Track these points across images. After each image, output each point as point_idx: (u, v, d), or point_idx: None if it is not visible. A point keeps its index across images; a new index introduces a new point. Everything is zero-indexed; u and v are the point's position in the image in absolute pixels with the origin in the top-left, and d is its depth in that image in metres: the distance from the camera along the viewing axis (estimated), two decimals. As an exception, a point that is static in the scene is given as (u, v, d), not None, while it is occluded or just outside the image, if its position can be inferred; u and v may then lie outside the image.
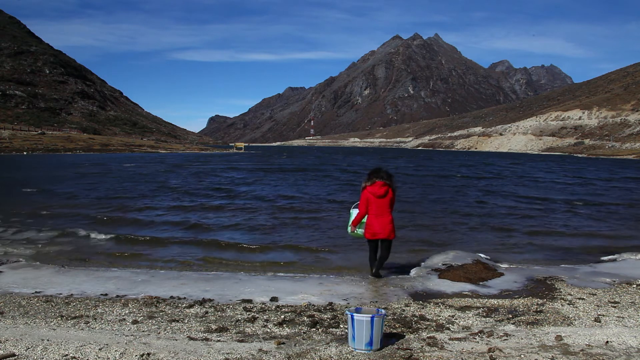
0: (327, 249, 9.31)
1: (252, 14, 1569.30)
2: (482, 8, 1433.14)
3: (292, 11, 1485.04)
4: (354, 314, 4.18)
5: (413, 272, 7.68)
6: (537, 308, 5.63)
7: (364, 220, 7.01)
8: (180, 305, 5.68)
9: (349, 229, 7.41)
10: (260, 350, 4.09)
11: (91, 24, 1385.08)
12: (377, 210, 6.77)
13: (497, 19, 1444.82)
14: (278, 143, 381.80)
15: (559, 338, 4.44)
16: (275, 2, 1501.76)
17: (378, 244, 7.09)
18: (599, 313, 5.41)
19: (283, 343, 4.32)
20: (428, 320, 5.12)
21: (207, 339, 4.41)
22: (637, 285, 6.88)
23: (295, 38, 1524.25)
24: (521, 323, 5.03)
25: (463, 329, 4.85)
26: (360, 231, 7.25)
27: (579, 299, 6.06)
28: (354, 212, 7.31)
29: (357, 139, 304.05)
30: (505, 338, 4.50)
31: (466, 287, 6.77)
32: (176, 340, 4.36)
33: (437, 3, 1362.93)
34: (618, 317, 5.26)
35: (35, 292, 6.30)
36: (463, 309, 5.60)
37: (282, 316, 5.23)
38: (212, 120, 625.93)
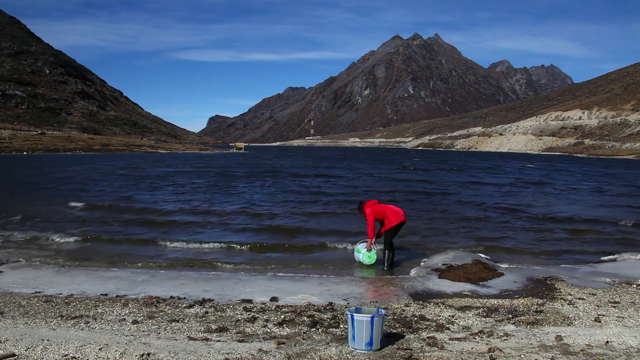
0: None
1: (256, 13, 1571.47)
2: (487, 8, 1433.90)
3: (296, 11, 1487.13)
4: (354, 314, 4.18)
5: (413, 272, 7.68)
6: (537, 308, 5.63)
7: (372, 253, 8.16)
8: (180, 305, 5.68)
9: (361, 253, 8.19)
10: (260, 350, 4.09)
11: (94, 24, 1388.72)
12: (391, 207, 8.20)
13: (501, 18, 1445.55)
14: (278, 143, 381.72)
15: (559, 338, 4.45)
16: (280, 1, 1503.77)
17: (392, 232, 8.02)
18: (599, 313, 5.41)
19: (283, 343, 4.32)
20: (428, 320, 5.12)
21: (207, 339, 4.41)
22: (637, 285, 6.88)
23: (299, 38, 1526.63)
24: (521, 323, 5.03)
25: (463, 329, 4.85)
26: (373, 255, 8.16)
27: (579, 299, 6.06)
28: (361, 245, 8.33)
29: (357, 139, 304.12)
30: (505, 338, 4.50)
31: (466, 287, 6.77)
32: (176, 340, 4.36)
33: (442, 3, 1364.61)
34: (618, 317, 5.26)
35: (35, 292, 6.30)
36: (463, 309, 5.60)
37: (282, 316, 5.23)
38: (212, 120, 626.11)
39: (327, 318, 5.16)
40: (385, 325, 4.74)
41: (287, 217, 13.02)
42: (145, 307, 5.55)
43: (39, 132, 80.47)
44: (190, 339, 4.42)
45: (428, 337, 4.49)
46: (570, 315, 5.32)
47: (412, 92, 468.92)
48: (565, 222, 12.91)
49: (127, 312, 5.36)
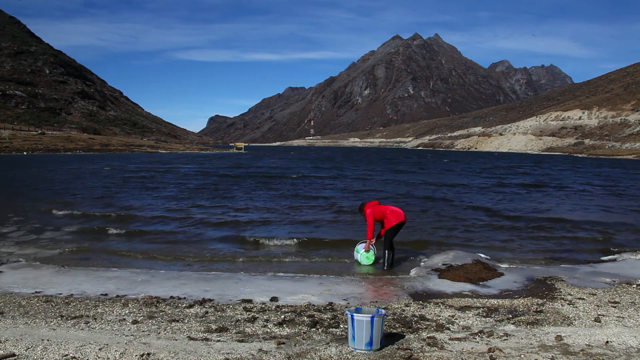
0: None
1: (257, 13, 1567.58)
2: (487, 8, 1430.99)
3: (296, 11, 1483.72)
4: (354, 314, 4.18)
5: (413, 272, 7.68)
6: (537, 308, 5.63)
7: (370, 254, 8.23)
8: (180, 305, 5.68)
9: (360, 253, 8.28)
10: (260, 350, 4.09)
11: (95, 24, 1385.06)
12: (391, 208, 8.24)
13: (502, 18, 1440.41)
14: (278, 143, 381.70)
15: (559, 338, 4.45)
16: (280, 1, 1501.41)
17: (392, 232, 8.03)
18: (599, 313, 5.41)
19: (283, 343, 4.32)
20: (428, 320, 5.12)
21: (207, 339, 4.41)
22: (637, 285, 6.88)
23: (299, 38, 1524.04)
24: (521, 323, 5.03)
25: (463, 329, 4.85)
26: (371, 256, 8.23)
27: (579, 299, 6.06)
28: (360, 246, 8.37)
29: (357, 139, 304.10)
30: (505, 338, 4.50)
31: (466, 287, 6.77)
32: (176, 340, 4.36)
33: (442, 3, 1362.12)
34: (618, 317, 5.26)
35: (35, 292, 6.30)
36: (463, 309, 5.60)
37: (282, 316, 5.23)
38: (212, 120, 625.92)
39: (327, 318, 5.16)
40: (385, 325, 4.74)
41: (285, 222, 12.94)
42: (145, 307, 5.55)
43: (39, 132, 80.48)
44: (190, 339, 4.42)
45: (428, 337, 4.49)
46: (570, 315, 5.32)
47: (412, 92, 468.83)
48: (565, 222, 12.90)
49: (127, 312, 5.36)
